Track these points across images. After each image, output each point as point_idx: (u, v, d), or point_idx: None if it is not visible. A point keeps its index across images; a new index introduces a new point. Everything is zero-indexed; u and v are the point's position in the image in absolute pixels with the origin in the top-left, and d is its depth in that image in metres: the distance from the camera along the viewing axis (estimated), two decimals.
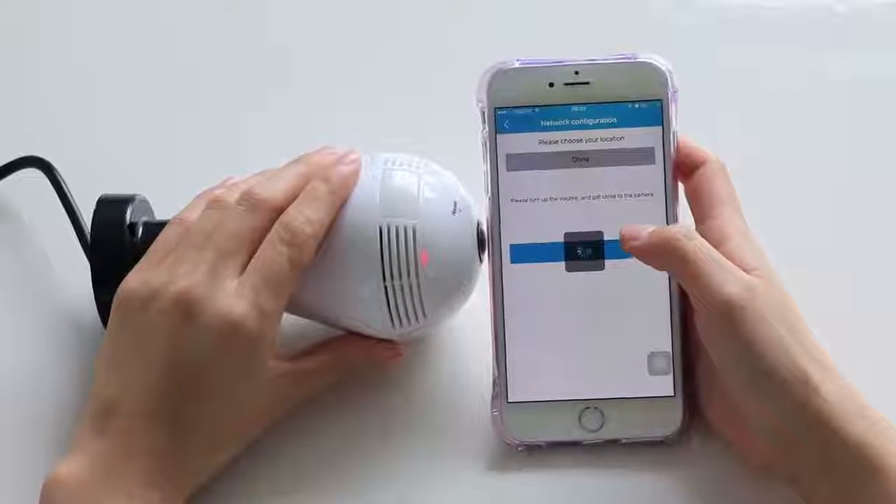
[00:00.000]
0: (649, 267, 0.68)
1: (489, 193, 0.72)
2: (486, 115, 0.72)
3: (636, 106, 0.71)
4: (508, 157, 0.72)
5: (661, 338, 0.71)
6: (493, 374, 0.71)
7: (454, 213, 0.71)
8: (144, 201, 0.77)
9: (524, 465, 0.71)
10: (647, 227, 0.68)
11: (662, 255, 0.67)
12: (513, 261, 0.71)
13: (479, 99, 0.72)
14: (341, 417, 0.73)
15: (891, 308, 0.77)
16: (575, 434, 0.71)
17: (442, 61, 0.88)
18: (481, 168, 0.72)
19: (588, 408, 0.71)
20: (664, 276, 0.70)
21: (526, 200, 0.72)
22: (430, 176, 0.71)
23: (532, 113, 0.72)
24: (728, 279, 0.65)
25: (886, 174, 0.82)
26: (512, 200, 0.72)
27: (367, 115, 0.85)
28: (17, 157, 0.81)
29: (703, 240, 0.67)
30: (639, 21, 0.89)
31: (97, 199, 0.75)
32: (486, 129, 0.72)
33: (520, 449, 0.71)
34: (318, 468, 0.72)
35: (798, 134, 0.84)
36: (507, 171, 0.72)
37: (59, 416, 0.74)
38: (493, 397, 0.71)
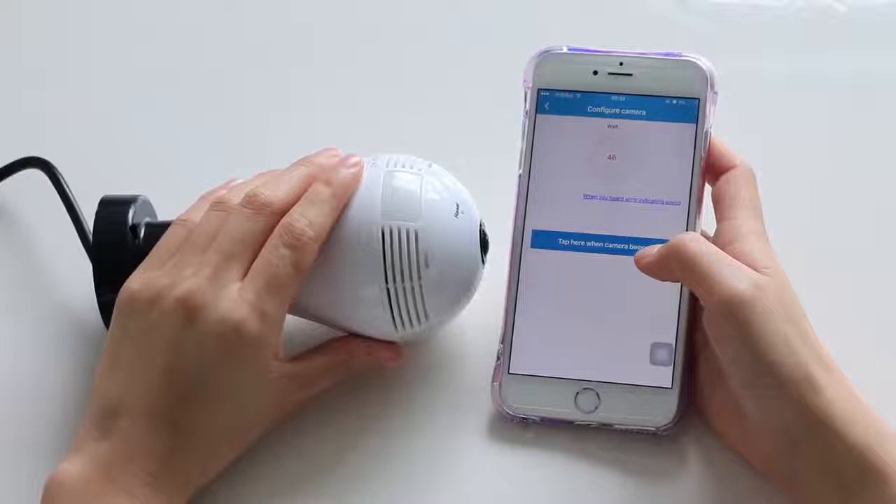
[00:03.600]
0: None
1: (521, 171, 0.73)
2: (529, 94, 0.73)
3: (674, 102, 0.72)
4: (544, 140, 0.73)
5: (667, 330, 0.71)
6: (498, 350, 0.72)
7: (457, 215, 0.71)
8: (147, 202, 0.76)
9: (524, 462, 0.71)
10: (657, 246, 0.68)
11: (671, 262, 0.67)
12: (532, 244, 0.73)
13: (525, 78, 0.73)
14: (341, 417, 0.73)
15: (891, 308, 0.77)
16: (569, 413, 0.71)
17: (445, 62, 0.88)
18: (517, 146, 0.73)
19: (585, 389, 0.71)
20: None
21: (554, 185, 0.73)
22: (433, 178, 0.71)
23: (573, 97, 0.73)
24: (736, 276, 0.65)
25: (888, 173, 0.82)
26: (540, 183, 0.73)
27: (369, 116, 0.86)
28: (19, 157, 0.81)
29: (708, 242, 0.67)
30: (639, 20, 0.90)
31: (99, 199, 0.75)
32: (528, 108, 0.73)
33: (515, 421, 0.72)
34: (319, 468, 0.71)
35: (798, 133, 0.84)
36: (541, 153, 0.73)
37: (62, 417, 0.74)
38: (495, 369, 0.72)
